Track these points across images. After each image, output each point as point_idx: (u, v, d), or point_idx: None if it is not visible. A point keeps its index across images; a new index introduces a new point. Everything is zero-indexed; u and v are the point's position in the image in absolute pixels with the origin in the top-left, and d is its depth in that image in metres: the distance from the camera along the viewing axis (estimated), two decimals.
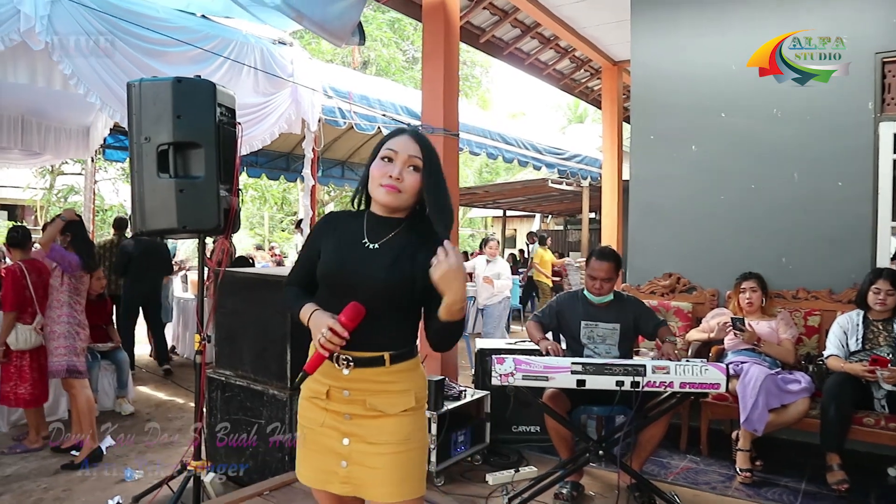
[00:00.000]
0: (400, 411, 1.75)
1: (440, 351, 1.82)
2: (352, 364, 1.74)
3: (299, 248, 6.83)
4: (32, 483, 3.89)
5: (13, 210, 21.15)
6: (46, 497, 3.70)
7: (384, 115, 6.29)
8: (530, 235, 14.23)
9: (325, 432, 1.78)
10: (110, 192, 17.42)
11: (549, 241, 12.93)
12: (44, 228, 7.65)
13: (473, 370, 4.41)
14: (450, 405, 3.61)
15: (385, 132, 6.69)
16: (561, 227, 21.56)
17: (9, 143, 7.11)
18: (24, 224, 19.29)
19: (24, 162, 8.18)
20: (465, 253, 8.96)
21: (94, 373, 4.95)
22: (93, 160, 8.40)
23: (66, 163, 14.04)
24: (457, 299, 1.57)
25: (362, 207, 1.88)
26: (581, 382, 2.94)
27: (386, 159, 1.75)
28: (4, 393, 4.33)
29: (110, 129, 7.27)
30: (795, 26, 4.35)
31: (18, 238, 4.35)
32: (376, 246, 1.77)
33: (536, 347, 4.01)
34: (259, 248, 16.14)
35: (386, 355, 1.74)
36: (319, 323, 1.68)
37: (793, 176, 4.39)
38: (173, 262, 7.51)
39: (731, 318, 3.89)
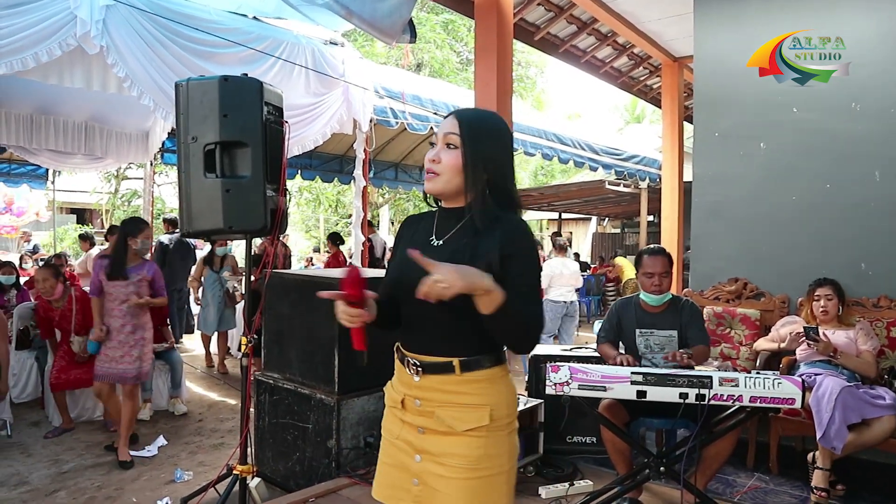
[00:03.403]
0: (468, 429, 1.56)
1: (516, 352, 1.62)
2: (420, 369, 1.61)
3: (353, 249, 6.79)
4: (87, 480, 3.94)
5: (82, 214, 22.06)
6: (98, 496, 3.73)
7: (436, 115, 6.20)
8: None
9: (400, 445, 1.66)
10: (171, 196, 17.93)
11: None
12: (109, 231, 7.95)
13: (527, 377, 4.26)
14: None
15: None
16: (618, 231, 21.10)
17: (73, 148, 7.38)
18: (91, 226, 20.12)
19: (87, 166, 8.47)
20: None
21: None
22: (151, 164, 8.61)
23: (130, 167, 14.51)
24: (469, 290, 1.38)
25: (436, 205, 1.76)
26: (642, 394, 2.76)
27: (431, 146, 1.66)
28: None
29: (168, 133, 7.43)
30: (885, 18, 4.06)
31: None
32: (440, 243, 1.65)
33: (593, 355, 3.85)
34: (317, 250, 16.35)
35: (455, 361, 1.57)
36: None
37: (874, 174, 4.07)
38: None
39: (804, 327, 3.62)
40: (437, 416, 1.59)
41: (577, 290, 7.47)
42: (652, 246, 3.50)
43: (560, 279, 7.17)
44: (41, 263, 10.23)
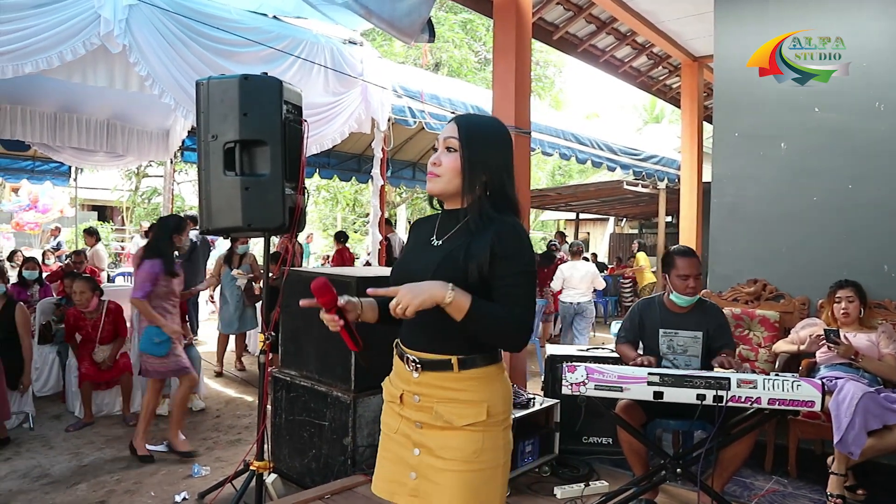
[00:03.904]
0: (466, 424, 1.61)
1: (506, 350, 1.71)
2: (419, 366, 1.65)
3: (369, 248, 6.82)
4: (107, 474, 3.99)
5: (103, 211, 22.32)
6: (118, 489, 3.78)
7: (454, 114, 6.21)
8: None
9: (398, 440, 1.72)
10: (191, 194, 18.09)
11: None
12: (149, 230, 8.04)
13: (543, 377, 4.25)
14: (517, 413, 3.47)
15: None
16: (636, 231, 20.97)
17: (95, 145, 7.49)
18: (112, 223, 20.38)
19: (108, 163, 8.58)
20: (552, 255, 8.95)
21: None
22: (172, 162, 8.70)
23: (151, 165, 14.67)
24: (426, 306, 1.50)
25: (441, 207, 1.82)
26: (658, 395, 2.74)
27: (434, 150, 1.74)
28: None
29: (188, 132, 7.50)
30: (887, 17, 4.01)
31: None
32: (440, 243, 1.71)
33: (610, 355, 3.84)
34: None
35: (453, 359, 1.62)
36: None
37: None
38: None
39: (825, 330, 3.57)
40: (435, 411, 1.64)
41: (594, 291, 7.55)
42: (682, 247, 3.44)
43: (570, 281, 7.38)
44: (64, 259, 10.41)
